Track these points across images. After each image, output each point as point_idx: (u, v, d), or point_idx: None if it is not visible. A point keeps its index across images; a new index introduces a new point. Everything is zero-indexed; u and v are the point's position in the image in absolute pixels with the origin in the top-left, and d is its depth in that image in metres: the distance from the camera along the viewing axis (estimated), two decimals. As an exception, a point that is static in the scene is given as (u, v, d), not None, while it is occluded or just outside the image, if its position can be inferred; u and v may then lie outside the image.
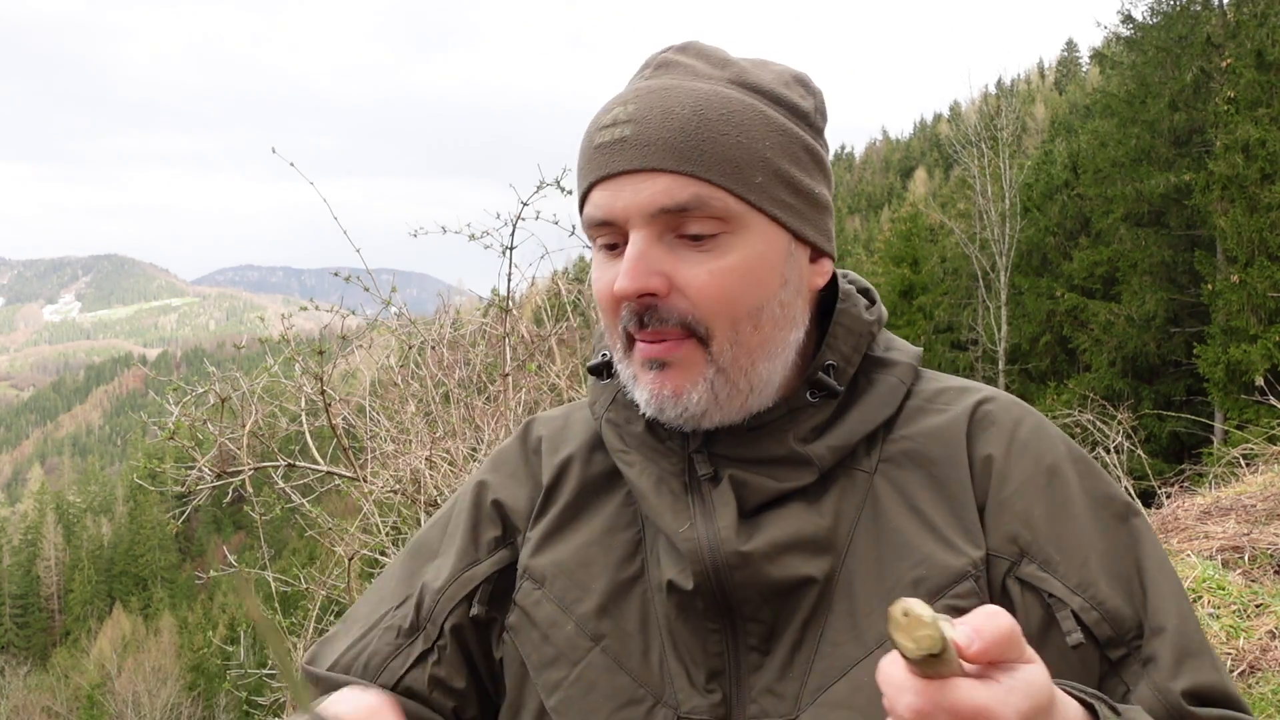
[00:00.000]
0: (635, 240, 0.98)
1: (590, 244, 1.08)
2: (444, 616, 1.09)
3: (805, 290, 1.06)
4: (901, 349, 1.12)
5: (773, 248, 1.02)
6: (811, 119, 1.07)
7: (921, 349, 1.14)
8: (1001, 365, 26.02)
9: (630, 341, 1.02)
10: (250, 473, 4.77)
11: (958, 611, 0.88)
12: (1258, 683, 3.83)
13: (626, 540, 1.06)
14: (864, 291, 1.14)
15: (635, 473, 1.05)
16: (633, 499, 1.08)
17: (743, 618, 0.98)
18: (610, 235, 1.02)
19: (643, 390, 1.02)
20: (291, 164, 4.74)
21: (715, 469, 1.03)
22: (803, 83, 1.08)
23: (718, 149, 0.99)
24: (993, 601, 0.97)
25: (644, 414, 1.04)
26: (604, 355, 1.13)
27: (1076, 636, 0.95)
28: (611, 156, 1.00)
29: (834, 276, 1.13)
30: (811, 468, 1.02)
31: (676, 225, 0.98)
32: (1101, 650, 0.96)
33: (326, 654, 1.12)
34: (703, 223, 0.98)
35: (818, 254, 1.07)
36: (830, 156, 1.12)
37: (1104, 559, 0.99)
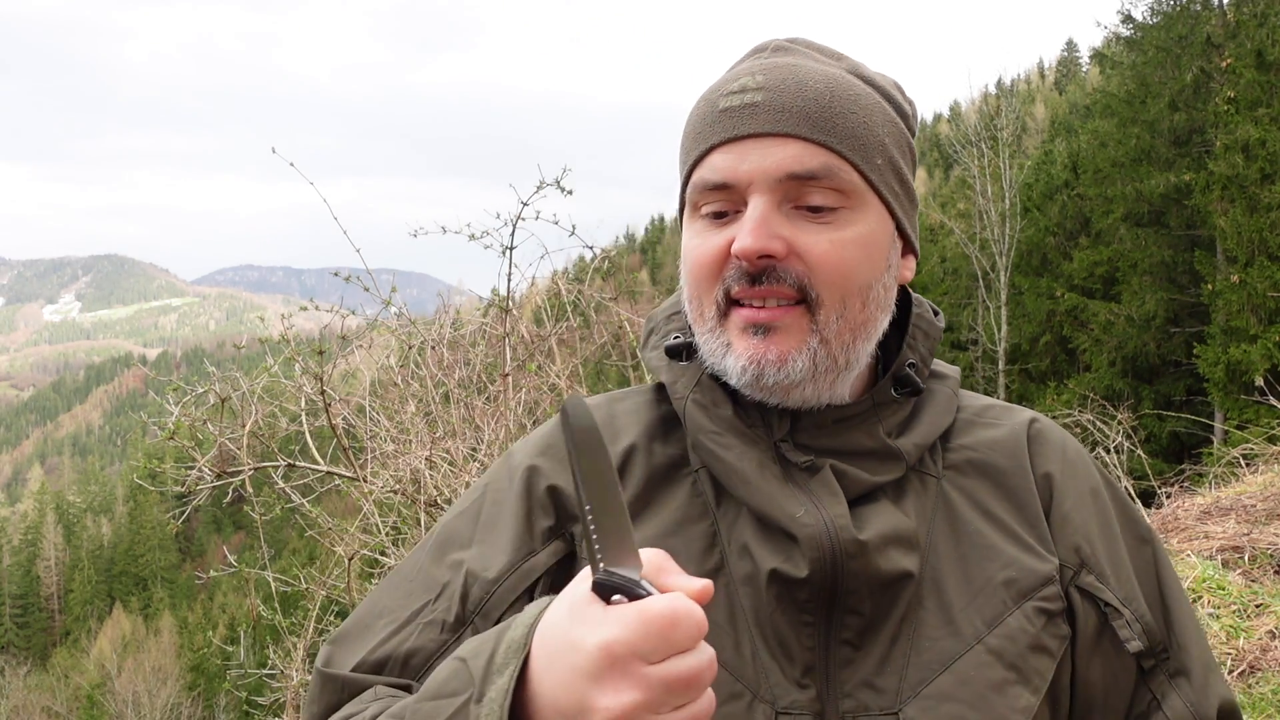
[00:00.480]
0: (757, 203, 0.98)
1: (688, 211, 1.06)
2: (501, 609, 1.01)
3: (896, 282, 1.08)
4: (946, 366, 1.16)
5: (883, 230, 1.04)
6: (910, 122, 1.11)
7: (960, 369, 1.18)
8: (1001, 365, 26.01)
9: (726, 308, 1.02)
10: (250, 473, 4.77)
11: (1045, 614, 1.00)
12: (1258, 683, 3.82)
13: (702, 532, 1.03)
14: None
15: (734, 455, 1.02)
16: (699, 489, 1.05)
17: (842, 609, 0.97)
18: (722, 201, 1.02)
19: (738, 357, 1.00)
20: (291, 164, 4.75)
21: (809, 458, 1.03)
22: (901, 89, 1.12)
23: (848, 125, 1.01)
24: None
25: (736, 382, 1.02)
26: (676, 337, 1.12)
27: (1137, 644, 1.03)
28: (741, 119, 1.00)
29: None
30: (900, 463, 1.04)
31: (798, 195, 0.99)
32: (1137, 660, 1.04)
33: (347, 654, 1.02)
34: (826, 194, 0.99)
35: (907, 250, 1.10)
36: None
37: (1137, 576, 1.08)
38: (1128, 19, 23.51)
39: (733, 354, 1.01)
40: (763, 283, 0.99)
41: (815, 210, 1.00)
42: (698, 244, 1.04)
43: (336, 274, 5.24)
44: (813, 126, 0.99)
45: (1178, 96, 21.84)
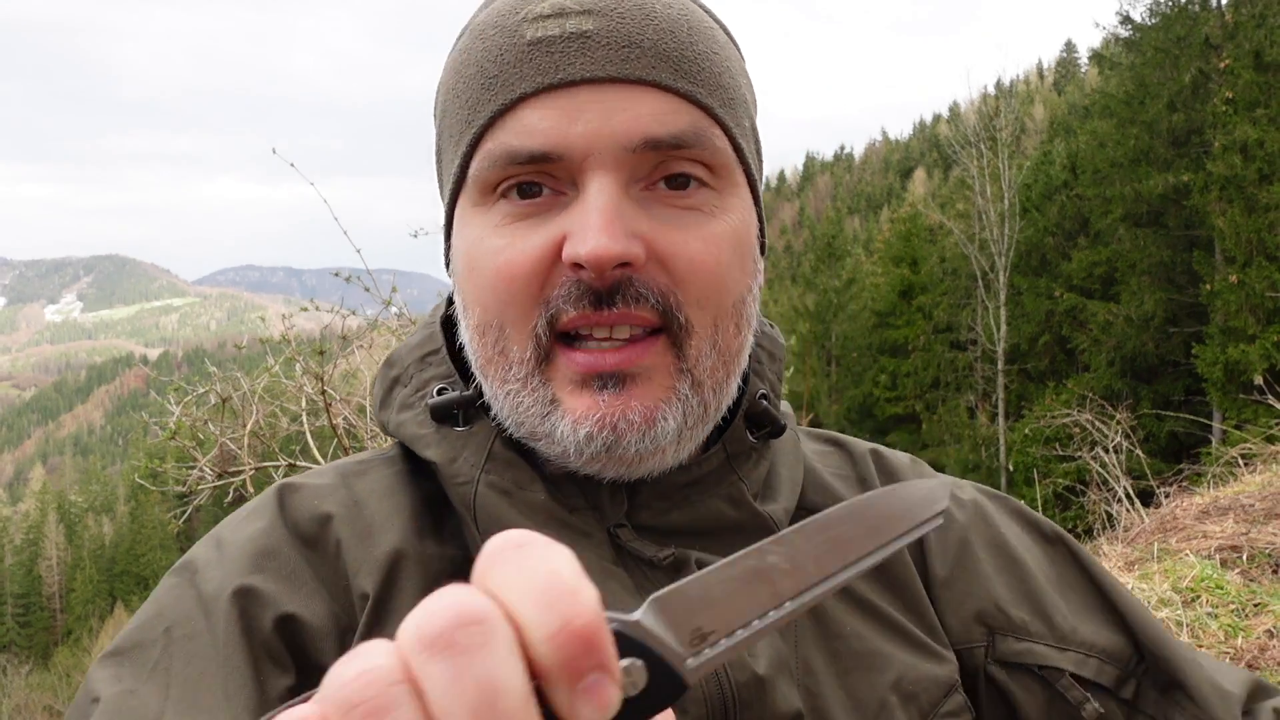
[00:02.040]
0: (603, 187, 0.67)
1: (471, 191, 0.73)
2: None
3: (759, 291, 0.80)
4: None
5: (751, 223, 0.76)
6: (740, 52, 0.82)
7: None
8: (1000, 365, 26.04)
9: (550, 345, 0.70)
10: (251, 472, 4.78)
11: None
12: (1253, 681, 3.84)
13: None
14: None
15: None
16: None
17: None
18: (532, 172, 0.70)
19: (578, 422, 0.69)
20: (292, 164, 4.77)
21: (670, 550, 0.73)
22: None
23: (713, 71, 0.71)
24: (975, 703, 0.79)
25: (571, 455, 0.70)
26: (441, 389, 0.77)
27: (1093, 708, 0.79)
28: (567, 57, 0.68)
29: None
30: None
31: (651, 170, 0.69)
32: (1114, 695, 0.81)
33: None
34: (694, 169, 0.70)
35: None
36: None
37: (1065, 592, 0.84)
38: (1126, 20, 23.56)
39: (565, 415, 0.69)
40: (615, 304, 0.67)
41: (679, 188, 0.70)
42: (501, 245, 0.69)
43: (337, 274, 5.26)
44: (675, 70, 0.68)
45: (1176, 97, 21.87)
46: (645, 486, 0.74)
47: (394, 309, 5.36)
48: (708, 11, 0.77)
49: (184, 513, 5.70)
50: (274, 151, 4.92)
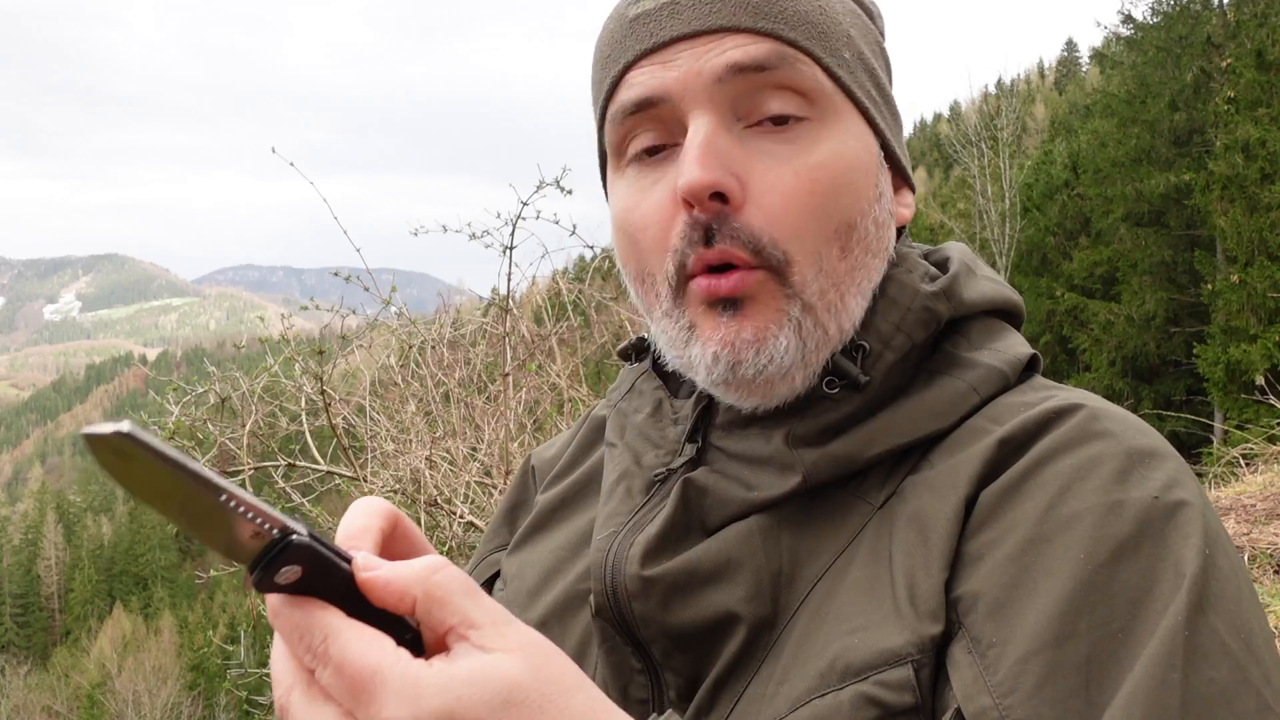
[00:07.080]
0: (700, 122, 0.74)
1: (611, 162, 0.82)
2: None
3: (892, 220, 0.82)
4: (1002, 350, 0.79)
5: (865, 148, 0.78)
6: (879, 23, 0.87)
7: (1035, 353, 0.81)
8: (1001, 365, 26.05)
9: (682, 280, 0.76)
10: (250, 472, 4.77)
11: (875, 705, 0.63)
12: (1257, 682, 3.82)
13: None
14: (941, 263, 0.85)
15: (609, 466, 0.86)
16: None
17: (657, 663, 0.75)
18: (653, 129, 0.77)
19: (706, 343, 0.75)
20: (291, 164, 4.75)
21: (696, 463, 0.80)
22: None
23: (798, 9, 0.76)
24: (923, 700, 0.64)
25: (706, 380, 0.77)
26: (635, 339, 0.94)
27: None
28: (660, 23, 0.76)
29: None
30: (793, 475, 0.74)
31: (749, 105, 0.75)
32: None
33: None
34: (785, 98, 0.75)
35: (900, 182, 0.85)
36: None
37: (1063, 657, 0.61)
38: (1128, 19, 23.55)
39: (699, 340, 0.76)
40: (714, 240, 0.73)
41: (777, 123, 0.75)
42: (635, 201, 0.78)
43: (336, 274, 5.25)
44: (754, 13, 0.75)
45: (1178, 96, 21.88)
46: (722, 415, 0.80)
47: (393, 308, 5.36)
48: None
49: (183, 513, 5.68)
50: (274, 151, 4.91)
